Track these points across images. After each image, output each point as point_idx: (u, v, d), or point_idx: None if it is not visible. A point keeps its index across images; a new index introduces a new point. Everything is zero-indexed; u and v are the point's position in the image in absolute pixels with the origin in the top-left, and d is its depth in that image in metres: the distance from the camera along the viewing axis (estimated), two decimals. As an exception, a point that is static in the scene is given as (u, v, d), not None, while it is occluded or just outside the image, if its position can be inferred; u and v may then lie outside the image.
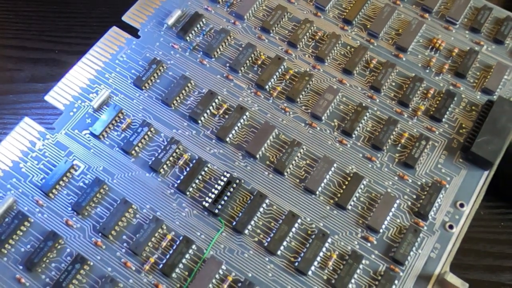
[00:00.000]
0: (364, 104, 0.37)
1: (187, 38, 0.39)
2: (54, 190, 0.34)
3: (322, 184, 0.34)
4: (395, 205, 0.33)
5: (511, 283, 0.38)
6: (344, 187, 0.34)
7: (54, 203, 0.34)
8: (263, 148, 0.35)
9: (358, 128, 0.36)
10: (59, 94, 0.37)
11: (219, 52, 0.39)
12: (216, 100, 0.37)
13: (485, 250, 0.39)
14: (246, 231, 0.33)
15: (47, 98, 0.38)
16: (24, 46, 0.48)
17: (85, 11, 0.50)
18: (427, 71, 0.38)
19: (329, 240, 0.33)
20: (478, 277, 0.38)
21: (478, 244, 0.39)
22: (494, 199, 0.41)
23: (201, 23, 0.40)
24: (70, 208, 0.34)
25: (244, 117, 0.36)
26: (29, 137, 0.36)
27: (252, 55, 0.38)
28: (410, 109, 0.37)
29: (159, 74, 0.38)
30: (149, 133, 0.36)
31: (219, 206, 0.33)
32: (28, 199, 0.34)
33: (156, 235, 0.33)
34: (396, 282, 0.31)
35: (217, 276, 0.32)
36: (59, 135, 0.36)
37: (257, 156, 0.35)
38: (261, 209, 0.33)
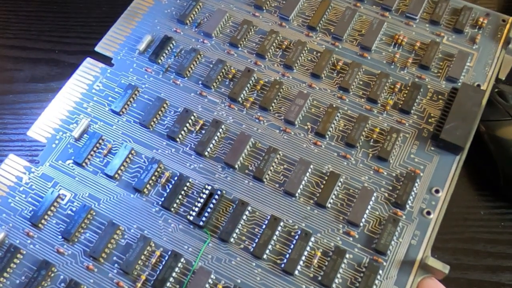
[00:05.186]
0: (334, 105, 0.38)
1: (159, 61, 0.41)
2: (43, 221, 0.35)
3: (301, 186, 0.35)
4: (373, 198, 0.34)
5: (511, 283, 0.38)
6: (322, 186, 0.35)
7: (44, 233, 0.35)
8: (241, 158, 0.36)
9: (330, 129, 0.37)
10: (41, 128, 0.39)
11: (191, 71, 0.40)
12: (192, 117, 0.38)
13: (485, 250, 0.39)
14: (232, 239, 0.34)
15: (29, 133, 0.39)
16: (24, 46, 0.48)
17: (85, 11, 0.50)
18: (392, 66, 0.39)
19: (312, 239, 0.34)
20: (478, 277, 0.38)
21: (478, 244, 0.39)
22: (494, 199, 0.41)
23: (171, 45, 0.41)
24: (60, 236, 0.35)
25: (220, 130, 0.37)
26: (15, 172, 0.37)
27: (223, 70, 0.40)
28: (379, 104, 0.38)
29: (135, 98, 0.39)
30: (130, 155, 0.37)
31: (204, 218, 0.34)
32: (19, 232, 0.35)
33: (145, 252, 0.34)
34: (380, 272, 0.32)
35: (207, 285, 0.33)
36: (44, 167, 0.37)
37: (236, 166, 0.36)
38: (244, 217, 0.34)
